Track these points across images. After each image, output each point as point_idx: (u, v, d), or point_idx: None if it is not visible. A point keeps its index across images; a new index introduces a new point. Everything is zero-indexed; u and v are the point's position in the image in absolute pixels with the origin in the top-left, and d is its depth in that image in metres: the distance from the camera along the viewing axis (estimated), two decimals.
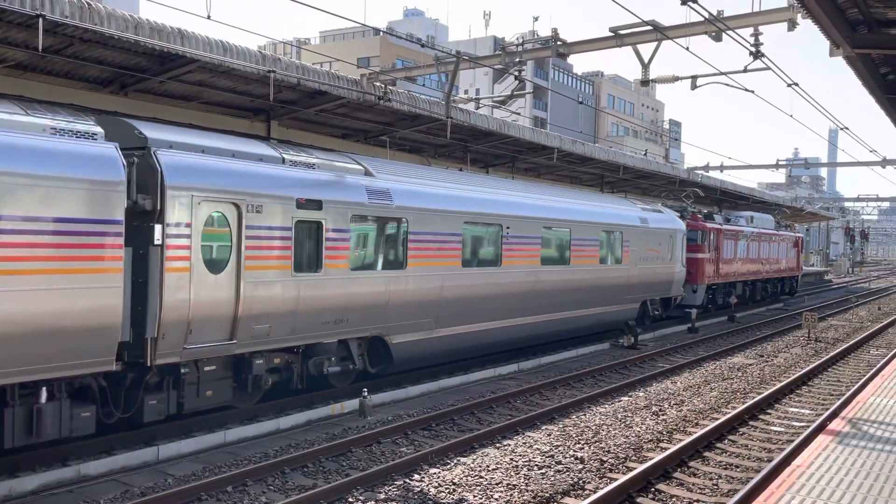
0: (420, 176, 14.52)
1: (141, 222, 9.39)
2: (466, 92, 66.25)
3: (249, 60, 12.29)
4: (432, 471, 9.41)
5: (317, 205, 11.50)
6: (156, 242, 9.37)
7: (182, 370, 9.98)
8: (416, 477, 9.18)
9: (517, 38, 17.80)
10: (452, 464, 9.72)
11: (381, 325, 12.88)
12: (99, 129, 9.07)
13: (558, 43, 14.93)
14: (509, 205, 16.18)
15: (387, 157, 18.31)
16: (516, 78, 17.76)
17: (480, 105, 24.11)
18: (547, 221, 17.32)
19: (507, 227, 15.87)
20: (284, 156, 11.59)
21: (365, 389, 12.22)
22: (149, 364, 9.46)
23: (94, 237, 8.61)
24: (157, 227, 9.37)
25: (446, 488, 8.79)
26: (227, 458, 9.75)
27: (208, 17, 10.58)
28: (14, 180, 7.89)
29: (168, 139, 9.97)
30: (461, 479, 9.11)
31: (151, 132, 9.89)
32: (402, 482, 8.96)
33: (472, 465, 9.64)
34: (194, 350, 9.89)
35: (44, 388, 8.60)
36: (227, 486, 8.54)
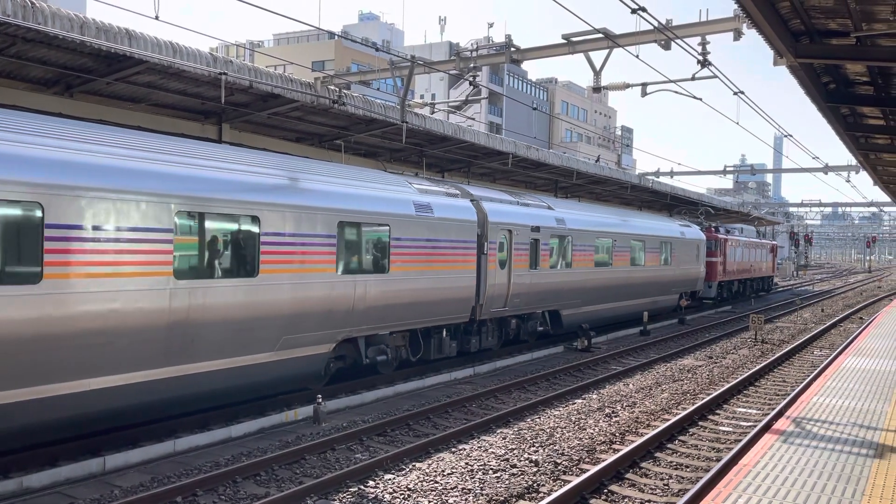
0: (574, 207, 22.36)
1: (477, 241, 16.50)
2: (422, 97, 66.32)
3: (200, 62, 12.09)
4: (387, 477, 9.36)
5: (537, 229, 18.94)
6: (484, 252, 16.74)
7: (488, 324, 17.52)
8: (371, 483, 9.12)
9: (472, 44, 17.87)
10: (408, 469, 9.69)
11: (558, 303, 20.20)
12: (457, 191, 16.76)
13: (512, 49, 15.03)
14: (616, 224, 23.78)
15: (342, 160, 18.22)
16: (471, 83, 17.85)
17: (436, 110, 24.14)
18: (635, 236, 24.73)
19: (615, 240, 23.28)
20: (518, 200, 19.12)
21: (319, 396, 12.15)
22: (476, 319, 16.77)
23: (468, 249, 16.13)
24: (485, 244, 16.78)
25: (401, 494, 8.76)
26: (177, 467, 9.53)
27: (156, 18, 10.36)
28: (447, 223, 15.46)
29: (478, 194, 17.34)
30: (416, 484, 9.09)
31: (473, 191, 17.43)
32: (356, 489, 8.90)
33: (427, 471, 9.61)
34: (493, 312, 17.27)
35: (444, 329, 15.91)
36: (177, 497, 8.36)
